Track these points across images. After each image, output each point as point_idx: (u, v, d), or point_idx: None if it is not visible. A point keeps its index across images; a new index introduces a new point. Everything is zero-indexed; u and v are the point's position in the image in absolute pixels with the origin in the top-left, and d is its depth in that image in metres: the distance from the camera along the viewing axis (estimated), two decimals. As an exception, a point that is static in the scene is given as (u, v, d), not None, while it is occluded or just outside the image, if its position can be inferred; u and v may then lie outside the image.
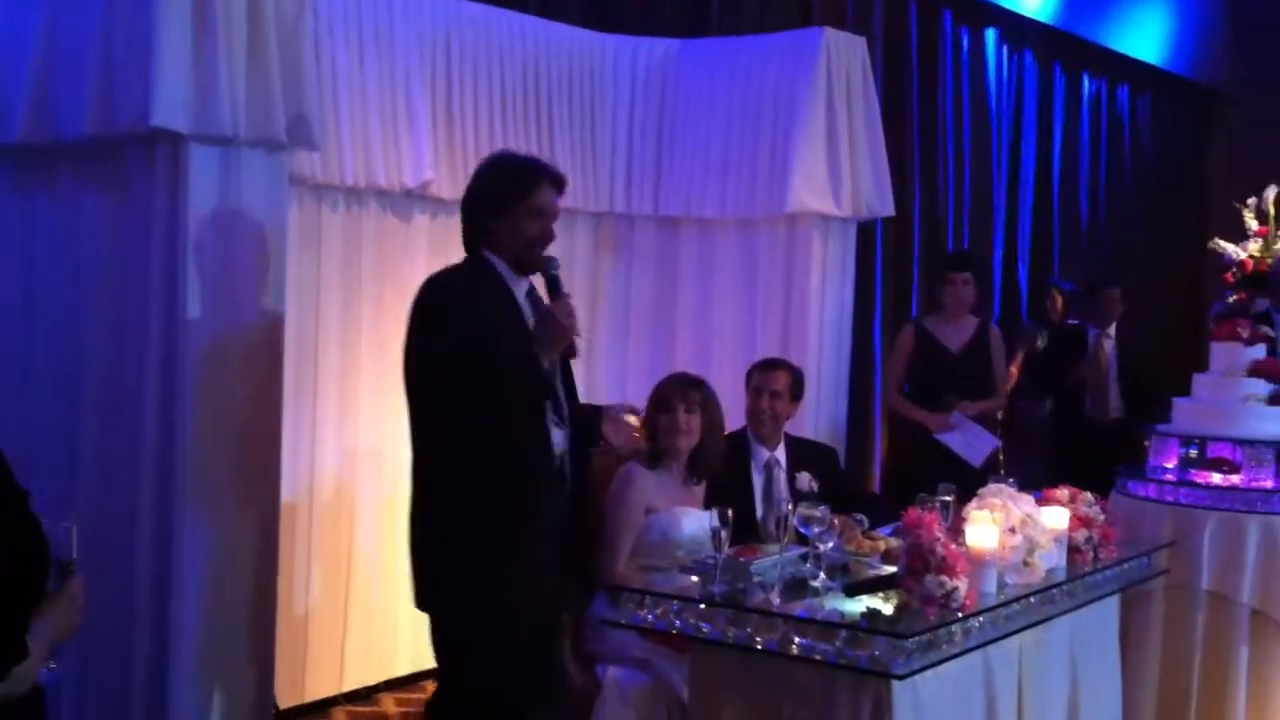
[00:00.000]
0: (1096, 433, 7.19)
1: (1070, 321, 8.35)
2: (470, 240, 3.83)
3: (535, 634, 3.76)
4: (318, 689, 5.36)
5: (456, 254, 5.78)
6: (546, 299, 3.77)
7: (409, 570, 3.79)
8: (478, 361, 3.53)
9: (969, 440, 6.07)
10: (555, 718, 4.22)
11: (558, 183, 3.87)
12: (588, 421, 4.00)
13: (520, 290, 3.79)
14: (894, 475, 6.84)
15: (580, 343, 3.81)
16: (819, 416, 6.28)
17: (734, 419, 5.11)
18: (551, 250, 6.16)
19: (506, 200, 3.76)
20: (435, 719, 3.85)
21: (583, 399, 6.42)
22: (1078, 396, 7.47)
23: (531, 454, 3.70)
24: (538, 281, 3.82)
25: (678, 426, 4.43)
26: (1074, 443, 7.40)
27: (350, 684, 5.45)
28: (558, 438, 3.78)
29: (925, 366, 6.26)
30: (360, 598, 5.43)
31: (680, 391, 4.48)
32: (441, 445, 3.69)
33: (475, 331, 3.57)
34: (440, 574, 3.72)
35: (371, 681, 5.55)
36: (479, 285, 3.73)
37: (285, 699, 4.99)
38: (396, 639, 5.61)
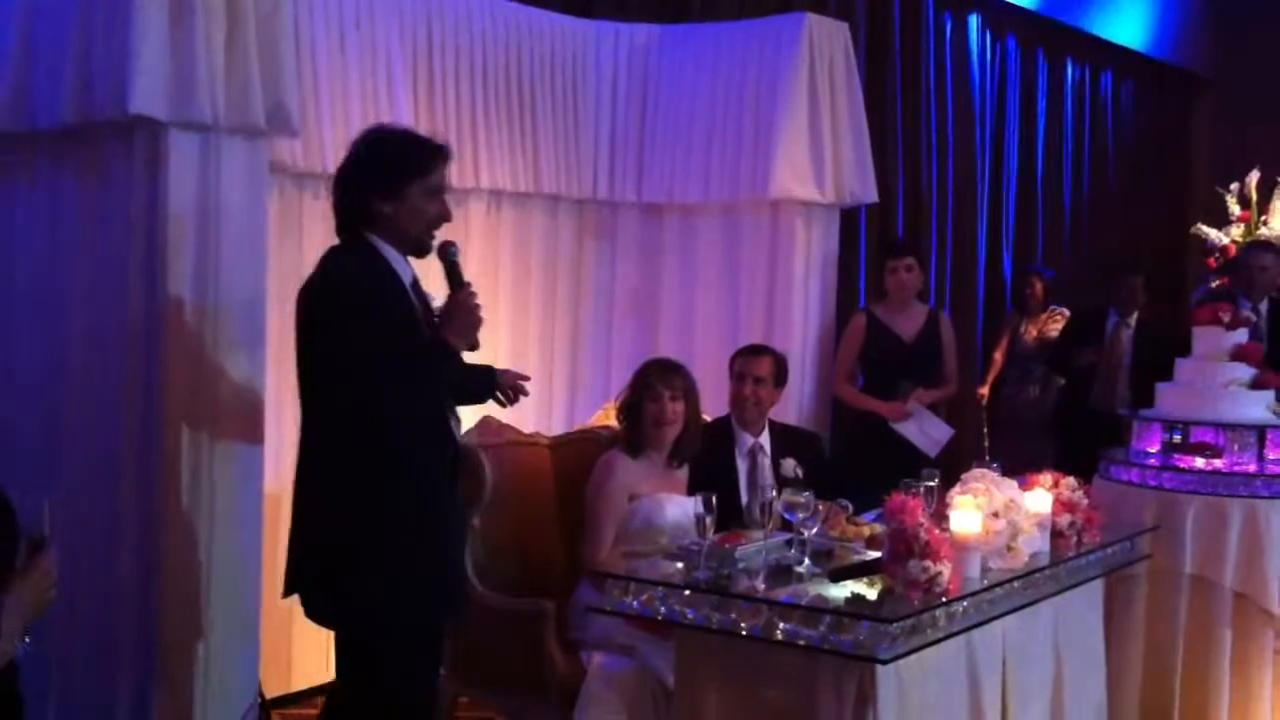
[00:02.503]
0: (1098, 422, 7.08)
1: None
2: (350, 224, 3.53)
3: (426, 638, 3.62)
4: (304, 678, 5.34)
5: (438, 240, 5.83)
6: (447, 285, 3.57)
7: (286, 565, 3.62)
8: (392, 350, 3.36)
9: (924, 429, 6.06)
10: (544, 706, 4.23)
11: (448, 157, 3.61)
12: (473, 383, 3.93)
13: (406, 277, 3.55)
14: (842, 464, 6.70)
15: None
16: (803, 402, 6.28)
17: (717, 405, 5.11)
18: (535, 238, 6.26)
19: (401, 179, 3.47)
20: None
21: (567, 387, 6.49)
22: (1087, 383, 7.38)
23: (435, 448, 3.55)
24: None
25: (665, 415, 4.43)
26: (1074, 430, 7.33)
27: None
28: (453, 426, 3.66)
29: (878, 355, 6.23)
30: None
31: (665, 379, 4.48)
32: (348, 437, 3.43)
33: (382, 320, 3.38)
34: (346, 576, 3.47)
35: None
36: (374, 268, 3.48)
37: (271, 688, 4.97)
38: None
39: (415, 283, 3.59)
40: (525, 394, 4.10)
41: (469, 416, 4.61)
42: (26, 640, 2.14)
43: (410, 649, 3.53)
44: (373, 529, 3.42)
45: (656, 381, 4.47)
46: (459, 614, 3.80)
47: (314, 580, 3.54)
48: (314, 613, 3.60)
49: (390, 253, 3.51)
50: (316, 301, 3.45)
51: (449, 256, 3.58)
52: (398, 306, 3.47)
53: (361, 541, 3.42)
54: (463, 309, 3.49)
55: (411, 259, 3.60)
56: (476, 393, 4.02)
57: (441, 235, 3.60)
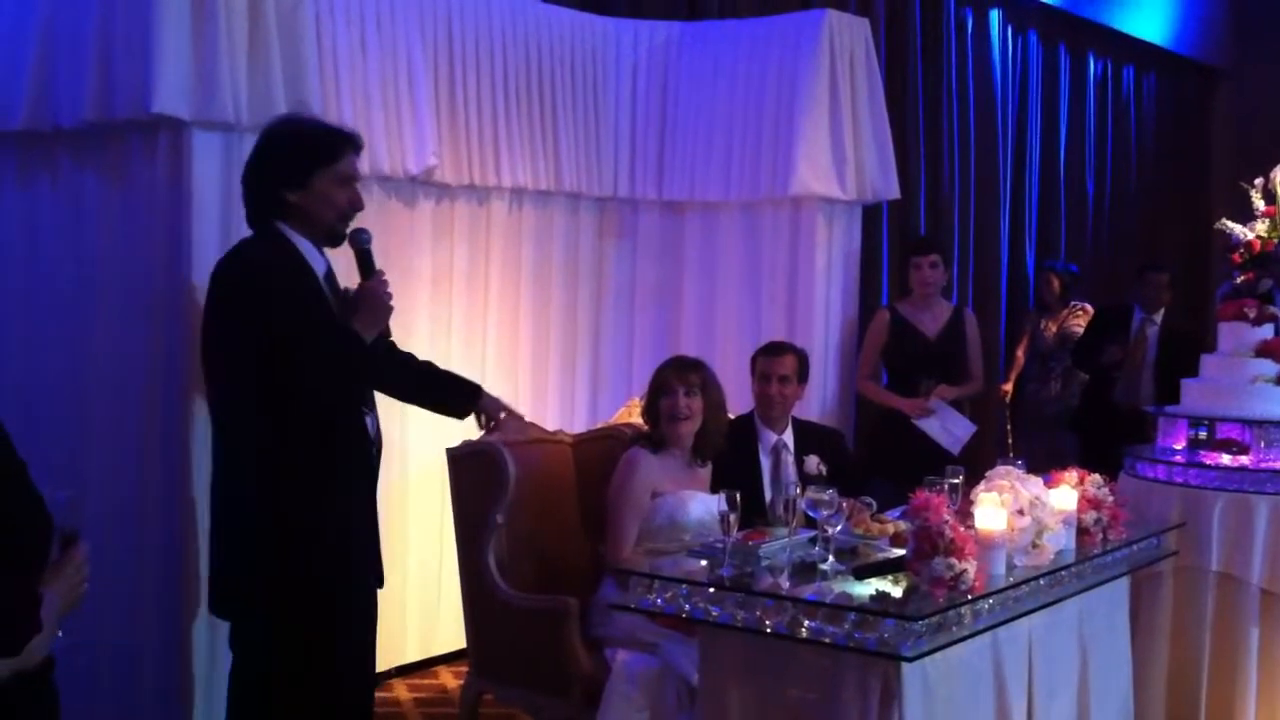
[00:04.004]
0: (1121, 418, 7.05)
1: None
2: (260, 215, 3.54)
3: (350, 636, 3.59)
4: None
5: (461, 239, 5.85)
6: (359, 274, 3.59)
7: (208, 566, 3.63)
8: (300, 339, 3.35)
9: (947, 426, 6.03)
10: (567, 703, 4.23)
11: (358, 146, 3.61)
12: (450, 393, 3.94)
13: (319, 269, 3.55)
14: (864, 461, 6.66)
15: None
16: (825, 399, 6.28)
17: (740, 402, 5.10)
18: (556, 236, 6.26)
19: (309, 169, 3.47)
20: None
21: (589, 385, 6.48)
22: (1111, 380, 7.35)
23: (351, 439, 3.54)
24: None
25: (678, 411, 4.42)
26: (1096, 426, 7.31)
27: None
28: (369, 423, 3.62)
29: (902, 352, 6.21)
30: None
31: (679, 375, 4.47)
32: (256, 431, 3.43)
33: (291, 308, 3.38)
34: (261, 572, 3.48)
35: (381, 668, 5.50)
36: (282, 261, 3.46)
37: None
38: (405, 623, 5.61)
39: (329, 274, 3.59)
40: (499, 428, 4.07)
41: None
42: (60, 634, 2.15)
43: (305, 644, 3.49)
44: (269, 520, 3.43)
45: (671, 377, 4.47)
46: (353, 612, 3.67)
47: (216, 572, 3.58)
48: (215, 606, 3.62)
49: (303, 244, 3.52)
50: (220, 291, 3.45)
51: (360, 244, 3.59)
52: (308, 296, 3.46)
53: (260, 531, 3.44)
54: (371, 297, 3.53)
55: (328, 250, 3.62)
56: (454, 406, 4.00)
57: (358, 224, 3.63)
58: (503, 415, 4.05)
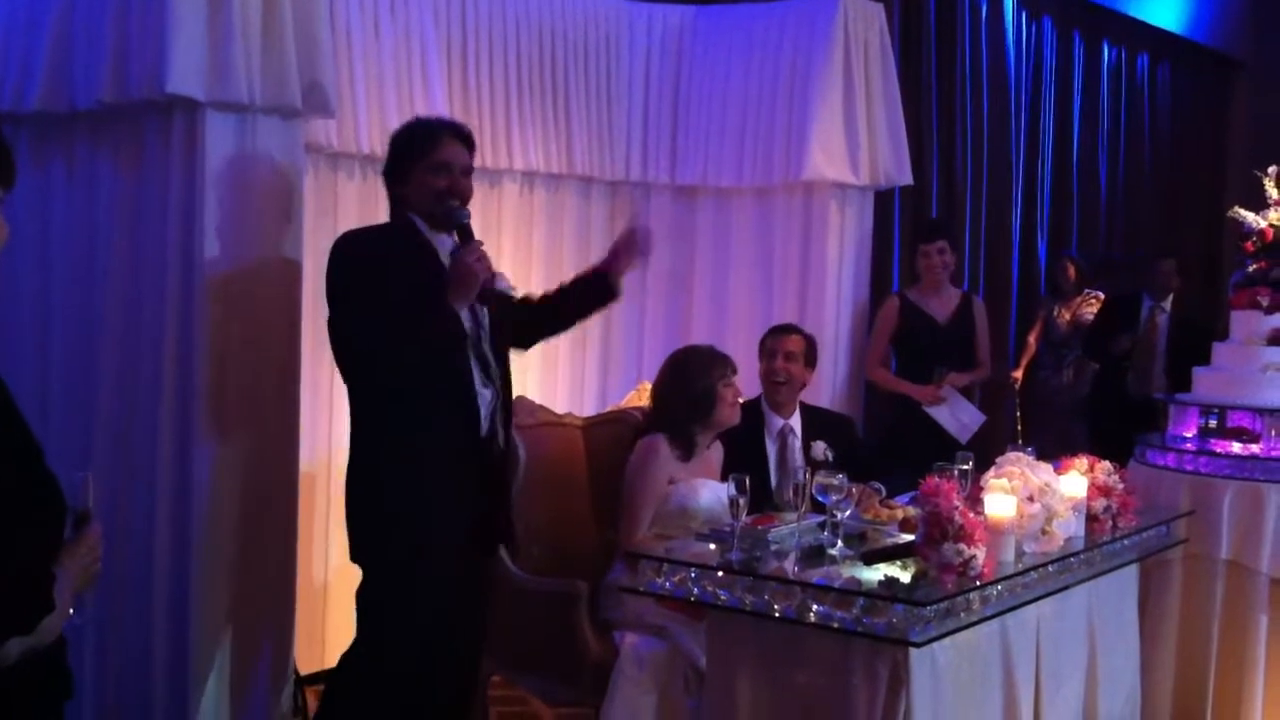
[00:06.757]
0: (1133, 407, 7.03)
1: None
2: (395, 208, 3.87)
3: (448, 598, 3.77)
4: (337, 656, 5.36)
5: (472, 221, 5.83)
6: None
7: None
8: (389, 309, 3.56)
9: (957, 415, 6.03)
10: (576, 686, 4.24)
11: (463, 137, 3.85)
12: (594, 293, 4.16)
13: (444, 250, 3.78)
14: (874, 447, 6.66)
15: (514, 291, 3.90)
16: (835, 385, 6.27)
17: (749, 388, 5.10)
18: (568, 219, 6.26)
19: (408, 162, 3.78)
20: (346, 672, 3.92)
21: (599, 368, 6.49)
22: (1122, 369, 7.33)
23: (452, 409, 3.71)
24: None
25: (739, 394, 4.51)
26: (1107, 415, 7.30)
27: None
28: (485, 397, 3.77)
29: (912, 338, 6.20)
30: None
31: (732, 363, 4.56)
32: (364, 400, 3.74)
33: (388, 283, 3.60)
34: (362, 527, 3.77)
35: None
36: (394, 241, 3.76)
37: (304, 665, 5.01)
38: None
39: (455, 253, 3.76)
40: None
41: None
42: (72, 613, 2.17)
43: (423, 607, 3.72)
44: (374, 489, 3.73)
45: (727, 363, 4.52)
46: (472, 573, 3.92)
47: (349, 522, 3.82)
48: (353, 553, 3.84)
49: (424, 227, 3.77)
50: (329, 263, 3.72)
51: (457, 220, 3.77)
52: (415, 271, 3.67)
53: (370, 497, 3.74)
54: (460, 267, 3.68)
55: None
56: (603, 300, 4.19)
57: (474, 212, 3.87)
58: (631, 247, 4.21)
